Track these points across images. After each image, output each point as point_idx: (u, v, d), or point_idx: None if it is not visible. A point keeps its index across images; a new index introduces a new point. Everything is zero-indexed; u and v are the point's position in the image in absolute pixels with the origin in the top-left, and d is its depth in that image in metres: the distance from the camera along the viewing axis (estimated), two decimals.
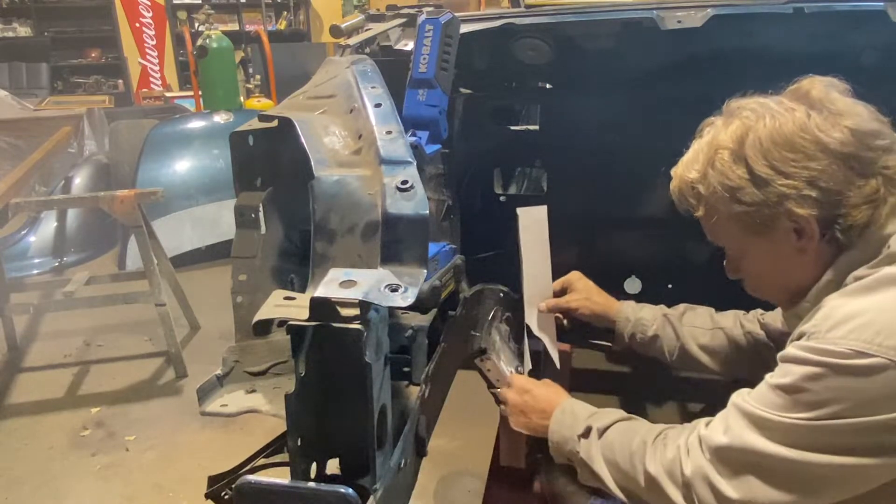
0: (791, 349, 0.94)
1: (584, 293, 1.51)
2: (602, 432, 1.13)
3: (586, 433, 1.14)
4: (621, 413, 1.16)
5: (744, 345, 1.40)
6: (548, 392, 1.27)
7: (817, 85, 1.02)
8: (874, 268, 0.95)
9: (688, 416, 2.46)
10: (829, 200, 0.96)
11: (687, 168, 1.08)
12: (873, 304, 0.89)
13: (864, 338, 0.86)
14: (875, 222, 0.97)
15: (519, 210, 1.46)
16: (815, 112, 0.98)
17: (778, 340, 1.31)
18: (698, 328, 1.44)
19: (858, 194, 0.96)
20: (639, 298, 1.98)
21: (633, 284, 2.12)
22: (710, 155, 1.04)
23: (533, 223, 1.46)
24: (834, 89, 1.02)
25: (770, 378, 0.95)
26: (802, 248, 1.01)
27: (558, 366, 1.49)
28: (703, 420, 1.02)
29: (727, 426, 0.96)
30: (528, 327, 1.48)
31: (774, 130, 0.97)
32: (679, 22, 1.53)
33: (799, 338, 0.96)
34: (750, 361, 1.39)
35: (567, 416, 1.19)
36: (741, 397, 0.98)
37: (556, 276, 1.53)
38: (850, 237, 0.98)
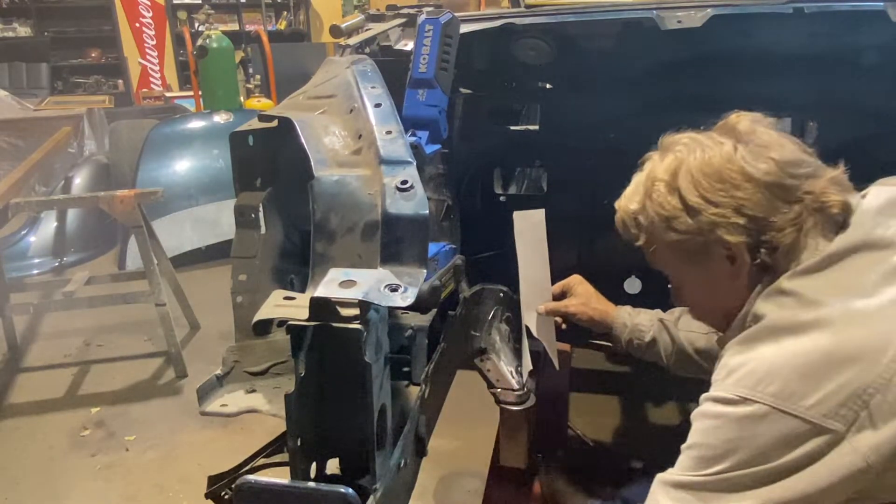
0: (697, 407, 1.01)
1: (584, 298, 1.52)
2: None
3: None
4: None
5: None
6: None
7: (743, 120, 1.08)
8: (760, 301, 1.02)
9: (688, 416, 2.46)
10: (756, 227, 1.02)
11: (629, 200, 1.15)
12: (757, 354, 0.96)
13: (748, 384, 0.93)
14: (798, 244, 1.02)
15: (515, 214, 1.46)
16: (742, 145, 1.04)
17: None
18: (694, 332, 1.44)
19: (783, 219, 1.01)
20: (639, 298, 1.97)
21: (632, 284, 2.12)
22: (647, 187, 1.10)
23: (530, 226, 1.46)
24: (759, 124, 1.08)
25: (683, 445, 1.01)
26: (735, 273, 1.06)
27: (557, 368, 1.49)
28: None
29: (653, 500, 1.00)
30: (526, 329, 1.48)
31: (704, 163, 1.04)
32: (679, 22, 1.53)
33: (708, 388, 1.02)
34: None
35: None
36: (662, 472, 1.02)
37: (556, 278, 1.53)
38: (776, 259, 1.03)
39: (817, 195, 1.01)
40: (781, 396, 0.90)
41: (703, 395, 1.01)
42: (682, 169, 1.05)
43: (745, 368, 0.95)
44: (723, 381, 0.98)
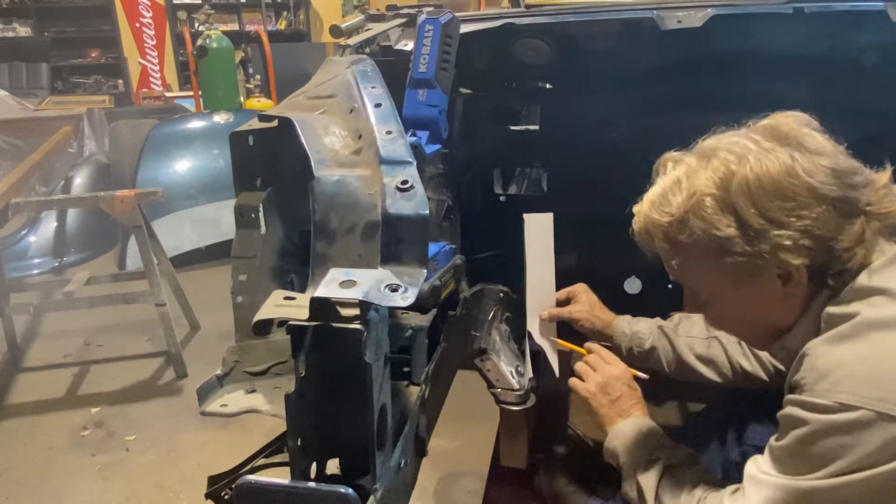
0: (786, 409, 0.93)
1: (588, 306, 1.51)
2: (665, 470, 1.12)
3: (653, 462, 1.13)
4: (688, 452, 1.15)
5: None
6: (632, 395, 1.30)
7: (790, 121, 0.97)
8: (842, 304, 0.93)
9: (688, 417, 2.46)
10: (821, 247, 0.92)
11: (655, 209, 1.00)
12: (855, 354, 0.87)
13: (849, 389, 0.85)
14: (862, 261, 0.93)
15: (525, 216, 1.46)
16: (798, 153, 0.92)
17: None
18: (694, 338, 1.44)
19: (848, 237, 0.92)
20: (639, 299, 1.97)
21: (633, 284, 2.12)
22: (688, 200, 0.96)
23: (539, 230, 1.46)
24: (807, 126, 0.97)
25: (773, 440, 0.94)
26: (789, 293, 0.97)
27: (557, 374, 1.50)
28: (731, 488, 1.01)
29: (745, 497, 0.95)
30: (529, 334, 1.48)
31: (762, 175, 0.91)
32: (679, 22, 1.53)
33: (792, 389, 0.94)
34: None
35: (639, 432, 1.21)
36: (754, 465, 0.96)
37: (559, 281, 1.53)
38: (842, 282, 0.94)
39: (877, 206, 0.93)
40: (891, 401, 0.82)
41: (791, 397, 0.91)
42: (735, 181, 0.92)
43: (841, 371, 0.86)
44: (814, 386, 0.88)
